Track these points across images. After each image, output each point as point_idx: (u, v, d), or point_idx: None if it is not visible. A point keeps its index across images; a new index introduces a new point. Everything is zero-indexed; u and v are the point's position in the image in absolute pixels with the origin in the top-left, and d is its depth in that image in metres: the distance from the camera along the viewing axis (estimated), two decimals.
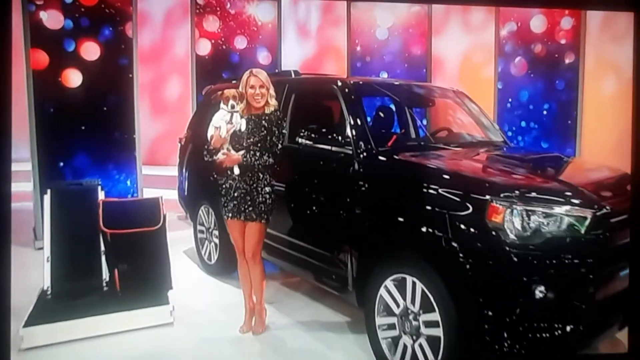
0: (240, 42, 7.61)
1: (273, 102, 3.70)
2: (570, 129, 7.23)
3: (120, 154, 6.43)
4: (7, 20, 2.37)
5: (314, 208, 3.94)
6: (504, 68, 7.52)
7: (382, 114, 4.76)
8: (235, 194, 3.75)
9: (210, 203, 5.06)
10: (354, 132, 3.69)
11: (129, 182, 6.49)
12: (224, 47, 7.53)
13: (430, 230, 3.00)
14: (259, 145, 3.72)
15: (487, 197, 2.87)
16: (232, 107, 3.60)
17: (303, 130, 3.83)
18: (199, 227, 5.43)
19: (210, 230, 5.19)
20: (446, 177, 3.22)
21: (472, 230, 2.87)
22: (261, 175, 3.74)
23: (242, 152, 3.70)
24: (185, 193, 5.74)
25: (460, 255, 2.85)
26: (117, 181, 6.42)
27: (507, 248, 2.77)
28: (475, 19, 8.82)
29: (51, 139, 6.01)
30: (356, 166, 3.61)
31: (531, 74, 7.39)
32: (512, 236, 2.79)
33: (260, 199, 3.73)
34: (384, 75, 7.64)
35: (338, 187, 3.69)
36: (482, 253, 2.85)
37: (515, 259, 2.75)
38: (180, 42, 9.74)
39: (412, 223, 3.14)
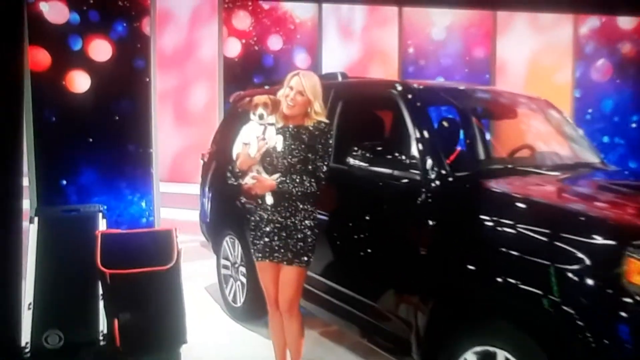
0: (274, 42, 7.40)
1: (318, 109, 3.30)
2: None
3: (134, 171, 6.27)
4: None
5: (367, 248, 3.48)
6: (583, 73, 7.30)
7: (447, 127, 4.26)
8: (267, 229, 3.33)
9: (237, 233, 4.71)
10: (421, 151, 3.22)
11: (143, 204, 6.29)
12: (255, 47, 7.34)
13: (532, 289, 2.43)
14: (299, 167, 3.29)
15: (625, 247, 2.25)
16: (261, 117, 3.24)
17: (355, 149, 3.38)
18: (223, 262, 5.07)
19: (237, 266, 4.82)
20: (555, 215, 2.62)
21: (597, 292, 2.27)
22: (301, 206, 3.31)
23: (276, 175, 3.30)
24: (208, 219, 5.42)
25: (578, 326, 2.25)
26: (129, 202, 6.24)
27: None
28: (548, 15, 8.35)
29: (52, 152, 5.88)
30: (425, 196, 3.12)
31: (617, 80, 7.12)
32: None
33: (300, 235, 3.30)
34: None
35: (400, 222, 3.26)
36: (614, 327, 2.23)
37: None
38: (206, 41, 9.55)
39: (504, 278, 2.57)
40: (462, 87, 4.34)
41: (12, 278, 3.37)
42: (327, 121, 3.34)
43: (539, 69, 8.37)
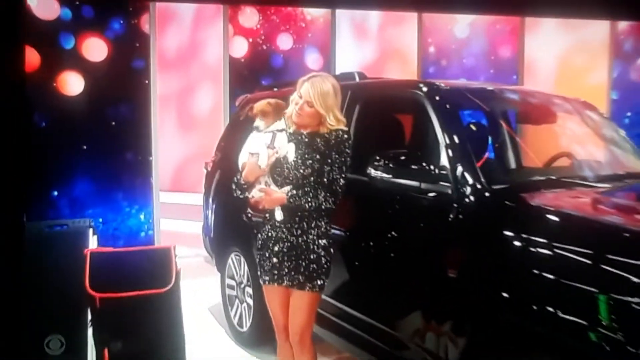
0: (284, 41, 7.40)
1: (332, 122, 3.15)
2: None
3: (133, 181, 6.27)
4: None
5: (388, 269, 3.36)
6: (621, 73, 7.21)
7: (475, 132, 4.05)
8: (276, 249, 3.17)
9: (244, 250, 4.58)
10: (452, 161, 3.04)
11: (142, 216, 6.28)
12: (264, 47, 7.35)
13: (580, 320, 2.22)
14: (313, 179, 3.13)
15: None
16: (257, 129, 3.16)
17: (377, 158, 3.19)
18: (227, 281, 4.94)
19: (243, 286, 4.69)
20: (617, 237, 2.39)
21: None
22: (314, 223, 3.15)
23: (287, 188, 3.15)
24: (212, 234, 5.29)
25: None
26: (127, 215, 6.22)
27: None
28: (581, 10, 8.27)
29: (43, 160, 5.79)
30: (457, 212, 2.94)
31: None
32: None
33: (312, 256, 3.12)
34: None
35: (427, 241, 3.10)
36: None
37: None
38: (211, 40, 9.27)
39: (547, 307, 2.36)
40: (491, 88, 4.17)
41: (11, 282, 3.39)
42: (345, 128, 3.18)
43: (571, 68, 8.30)
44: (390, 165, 3.19)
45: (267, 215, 3.25)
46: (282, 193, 3.15)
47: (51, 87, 5.86)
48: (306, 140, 3.18)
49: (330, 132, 3.15)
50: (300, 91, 3.16)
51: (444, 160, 3.07)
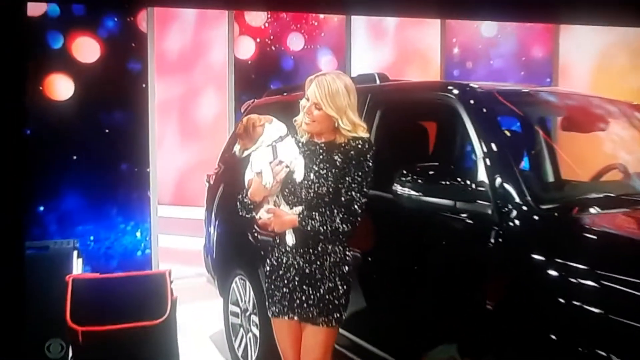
0: (295, 42, 7.29)
1: (345, 126, 3.04)
2: None
3: (128, 194, 6.20)
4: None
5: (415, 300, 3.24)
6: None
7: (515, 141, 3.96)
8: (287, 277, 3.08)
9: (249, 273, 4.49)
10: (492, 174, 2.88)
11: (138, 234, 6.20)
12: (272, 48, 7.24)
13: None
14: (329, 197, 3.02)
15: None
16: (240, 152, 3.11)
17: (405, 172, 3.04)
18: (231, 308, 4.84)
19: (248, 314, 4.56)
20: None
21: None
22: (330, 248, 3.05)
23: (299, 208, 3.05)
24: (214, 255, 5.22)
25: None
26: (122, 232, 6.14)
27: None
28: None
29: (27, 172, 5.57)
30: (498, 235, 2.79)
31: None
32: None
33: (328, 286, 3.02)
34: None
35: (462, 270, 2.96)
36: None
37: None
38: (214, 41, 9.15)
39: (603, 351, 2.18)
40: (527, 90, 4.07)
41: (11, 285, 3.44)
42: (366, 135, 3.06)
43: (609, 70, 8.21)
44: (419, 180, 3.03)
45: (276, 239, 3.14)
46: (293, 214, 3.05)
47: (37, 91, 5.77)
48: (320, 151, 3.09)
49: (347, 141, 3.03)
50: (307, 93, 3.06)
51: (482, 175, 2.92)
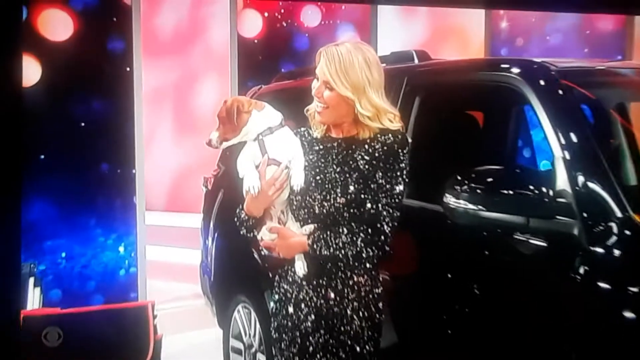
0: (310, 16, 7.17)
1: (365, 111, 2.82)
2: None
3: (109, 202, 6.02)
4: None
5: (475, 349, 3.01)
6: None
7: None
8: (297, 317, 2.90)
9: (255, 301, 4.41)
10: (577, 181, 2.69)
11: (121, 249, 6.03)
12: (283, 23, 7.10)
13: None
14: (350, 212, 2.79)
15: None
16: (208, 143, 2.86)
17: (459, 178, 2.85)
18: (232, 343, 4.75)
19: (253, 351, 4.45)
20: None
21: None
22: (353, 280, 2.83)
23: (310, 227, 2.83)
24: (212, 276, 5.15)
25: None
26: (100, 247, 5.98)
27: None
28: None
29: None
30: (586, 262, 2.58)
31: None
32: None
33: (352, 330, 2.83)
34: None
35: (538, 307, 2.73)
36: None
37: None
38: (214, 16, 9.54)
39: None
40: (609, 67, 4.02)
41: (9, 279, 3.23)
42: (397, 127, 2.82)
43: None
44: (479, 190, 2.81)
45: (285, 267, 2.94)
46: (303, 235, 2.81)
47: None
48: (338, 150, 2.87)
49: (374, 136, 2.83)
50: (316, 70, 2.85)
51: (562, 181, 2.71)
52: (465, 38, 8.67)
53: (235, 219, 3.01)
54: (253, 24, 7.05)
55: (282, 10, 7.09)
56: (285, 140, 2.81)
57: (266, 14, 7.02)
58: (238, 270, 4.68)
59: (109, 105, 5.93)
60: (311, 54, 6.66)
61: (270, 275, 3.51)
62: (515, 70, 3.12)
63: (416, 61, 3.92)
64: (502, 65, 3.32)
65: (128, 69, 5.95)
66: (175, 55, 10.01)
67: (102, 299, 5.71)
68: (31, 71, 5.64)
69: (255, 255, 4.24)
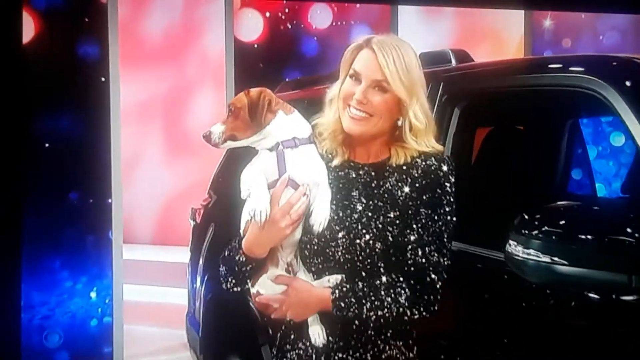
0: (319, 16, 6.96)
1: (417, 122, 2.52)
2: None
3: (79, 238, 5.86)
4: None
5: None
6: None
7: None
8: None
9: None
10: None
11: (93, 294, 5.81)
12: (288, 25, 6.91)
13: None
14: (385, 262, 2.48)
15: None
16: (206, 137, 2.51)
17: (526, 217, 2.46)
18: None
19: None
20: None
21: None
22: (392, 352, 2.53)
23: (333, 279, 2.49)
24: (199, 333, 4.90)
25: None
26: (67, 293, 5.76)
27: None
28: None
29: None
30: None
31: None
32: None
33: None
34: None
35: None
36: None
37: None
38: (209, 18, 9.50)
39: None
40: None
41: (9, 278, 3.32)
42: (439, 148, 2.55)
43: None
44: (554, 235, 2.37)
45: (296, 331, 2.57)
46: (322, 288, 2.45)
47: None
48: (368, 180, 2.54)
49: (412, 160, 2.51)
50: (354, 67, 2.49)
51: None
52: (499, 40, 8.47)
53: (222, 265, 2.60)
54: (253, 26, 6.90)
55: (287, 10, 6.92)
56: (311, 160, 2.47)
57: (268, 14, 6.85)
58: (232, 328, 4.35)
59: (80, 122, 5.76)
60: (320, 60, 6.49)
61: (272, 332, 3.11)
62: (592, 69, 2.77)
63: (454, 63, 3.63)
64: (572, 66, 2.95)
65: (103, 79, 5.78)
66: (162, 63, 9.99)
67: (67, 356, 5.45)
68: None
69: (255, 310, 3.65)
